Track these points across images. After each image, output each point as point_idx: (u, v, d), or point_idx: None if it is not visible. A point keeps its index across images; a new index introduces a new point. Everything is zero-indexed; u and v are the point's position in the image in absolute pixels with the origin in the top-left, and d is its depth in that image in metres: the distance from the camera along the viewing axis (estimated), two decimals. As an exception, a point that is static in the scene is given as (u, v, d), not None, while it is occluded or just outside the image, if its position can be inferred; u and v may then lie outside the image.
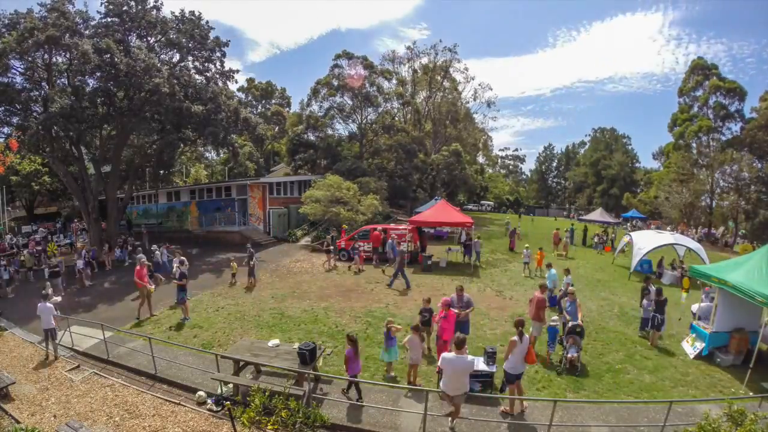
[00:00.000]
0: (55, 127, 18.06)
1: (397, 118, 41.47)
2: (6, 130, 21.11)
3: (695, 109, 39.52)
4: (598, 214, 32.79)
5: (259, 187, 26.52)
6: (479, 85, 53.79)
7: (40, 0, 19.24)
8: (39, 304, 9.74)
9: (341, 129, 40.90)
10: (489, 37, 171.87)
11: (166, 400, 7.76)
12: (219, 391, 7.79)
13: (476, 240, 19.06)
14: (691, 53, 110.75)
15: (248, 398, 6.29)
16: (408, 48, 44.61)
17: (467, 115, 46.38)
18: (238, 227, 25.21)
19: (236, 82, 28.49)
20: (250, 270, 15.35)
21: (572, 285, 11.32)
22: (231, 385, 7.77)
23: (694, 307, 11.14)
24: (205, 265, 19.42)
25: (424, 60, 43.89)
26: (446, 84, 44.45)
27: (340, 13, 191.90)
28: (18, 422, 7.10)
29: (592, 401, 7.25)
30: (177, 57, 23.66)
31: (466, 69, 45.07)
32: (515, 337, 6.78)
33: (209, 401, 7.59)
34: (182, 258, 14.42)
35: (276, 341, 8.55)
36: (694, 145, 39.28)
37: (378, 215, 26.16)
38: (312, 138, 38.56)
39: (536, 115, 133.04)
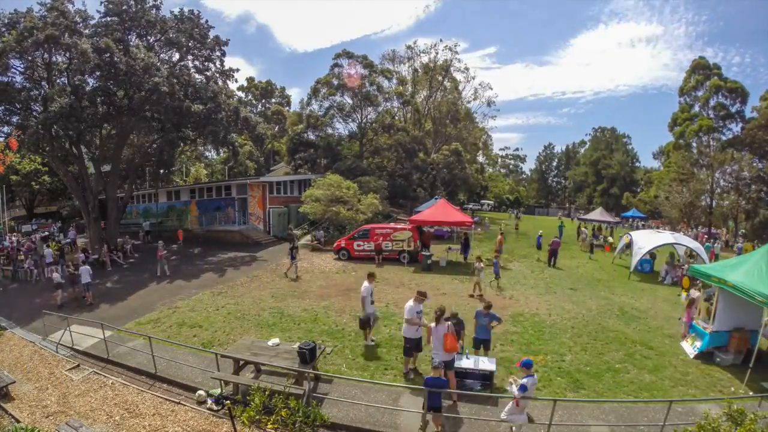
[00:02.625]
0: (55, 127, 18.07)
1: (397, 118, 41.41)
2: (6, 129, 21.13)
3: (696, 108, 39.50)
4: (597, 214, 32.83)
5: (259, 186, 26.53)
6: (479, 84, 53.62)
7: (40, -1, 19.22)
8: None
9: (341, 128, 40.92)
10: (545, 36, 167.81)
11: (166, 400, 7.76)
12: (219, 390, 7.79)
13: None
14: (733, 65, 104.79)
15: (248, 397, 6.29)
16: (408, 47, 44.61)
17: (467, 114, 46.34)
18: (238, 226, 25.22)
19: (236, 81, 28.59)
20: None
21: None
22: (231, 385, 7.78)
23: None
24: (207, 265, 19.43)
25: (425, 59, 43.89)
26: (447, 83, 44.41)
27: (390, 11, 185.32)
28: (18, 421, 7.11)
29: (591, 400, 7.25)
30: (177, 56, 23.67)
31: (467, 69, 44.99)
32: (432, 324, 7.36)
33: (209, 400, 7.58)
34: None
35: (276, 340, 8.55)
36: (694, 144, 39.26)
37: (378, 214, 26.16)
38: (312, 137, 38.54)
39: (570, 118, 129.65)
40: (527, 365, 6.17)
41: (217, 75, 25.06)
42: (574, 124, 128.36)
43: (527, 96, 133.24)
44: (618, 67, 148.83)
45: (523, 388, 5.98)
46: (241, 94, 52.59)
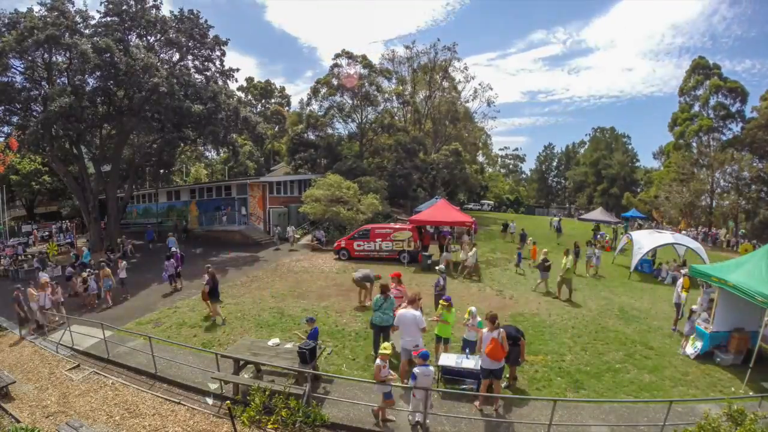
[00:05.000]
0: (55, 127, 18.08)
1: (397, 118, 41.41)
2: (6, 129, 21.15)
3: (696, 108, 39.51)
4: (598, 214, 32.80)
5: (259, 186, 26.52)
6: (479, 84, 53.80)
7: (40, -1, 19.25)
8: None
9: (341, 128, 40.91)
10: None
11: (167, 400, 7.76)
12: (219, 390, 7.79)
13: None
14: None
15: (248, 397, 6.30)
16: (407, 47, 44.58)
17: (467, 114, 46.31)
18: (239, 226, 25.21)
19: (236, 81, 28.60)
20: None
21: None
22: (231, 384, 7.78)
23: (695, 308, 11.08)
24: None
25: (424, 59, 43.83)
26: (445, 83, 44.36)
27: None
28: (18, 421, 7.11)
29: (591, 401, 7.25)
30: (177, 56, 23.70)
31: (466, 68, 44.99)
32: (484, 330, 7.03)
33: (209, 400, 7.59)
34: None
35: (276, 340, 8.56)
36: (694, 144, 39.27)
37: (378, 215, 26.15)
38: (312, 137, 38.54)
39: (602, 120, 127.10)
40: (424, 357, 6.41)
41: (217, 75, 25.09)
42: (606, 124, 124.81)
43: (563, 98, 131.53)
44: (660, 73, 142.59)
45: (413, 377, 6.28)
46: (240, 94, 52.63)
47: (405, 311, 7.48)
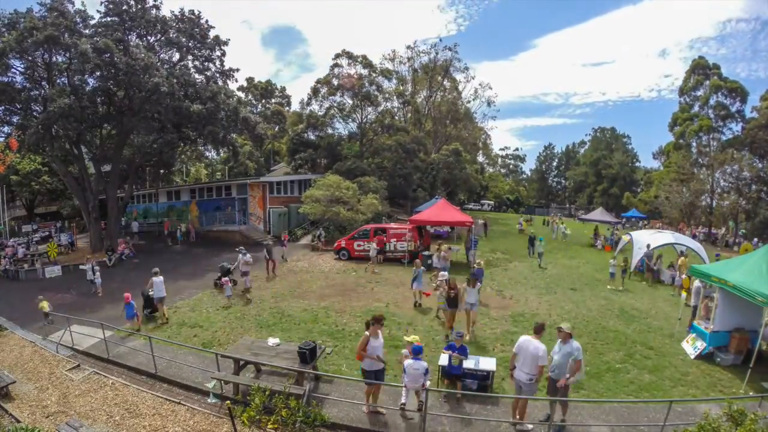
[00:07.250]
0: (56, 127, 18.09)
1: (397, 118, 41.36)
2: (6, 129, 21.15)
3: (696, 108, 39.49)
4: (598, 214, 32.83)
5: (259, 186, 26.51)
6: (479, 84, 53.81)
7: (40, -1, 19.25)
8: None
9: (341, 128, 40.79)
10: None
11: (167, 400, 7.76)
12: (219, 389, 7.79)
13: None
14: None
15: (248, 397, 6.29)
16: (408, 47, 44.62)
17: (467, 114, 46.30)
18: (239, 226, 25.21)
19: (236, 81, 28.56)
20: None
21: None
22: (231, 384, 7.77)
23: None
24: (210, 264, 19.36)
25: (425, 59, 43.84)
26: (446, 83, 44.36)
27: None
28: (18, 421, 7.11)
29: (592, 400, 7.25)
30: (177, 56, 23.69)
31: (467, 68, 44.93)
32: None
33: (209, 400, 7.59)
34: None
35: (276, 340, 8.55)
36: (694, 144, 39.26)
37: (378, 215, 26.15)
38: (312, 137, 38.48)
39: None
40: (416, 351, 6.61)
41: (217, 75, 25.08)
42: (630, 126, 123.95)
43: (596, 101, 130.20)
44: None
45: (404, 370, 6.55)
46: (241, 94, 52.50)
47: (530, 340, 6.40)
